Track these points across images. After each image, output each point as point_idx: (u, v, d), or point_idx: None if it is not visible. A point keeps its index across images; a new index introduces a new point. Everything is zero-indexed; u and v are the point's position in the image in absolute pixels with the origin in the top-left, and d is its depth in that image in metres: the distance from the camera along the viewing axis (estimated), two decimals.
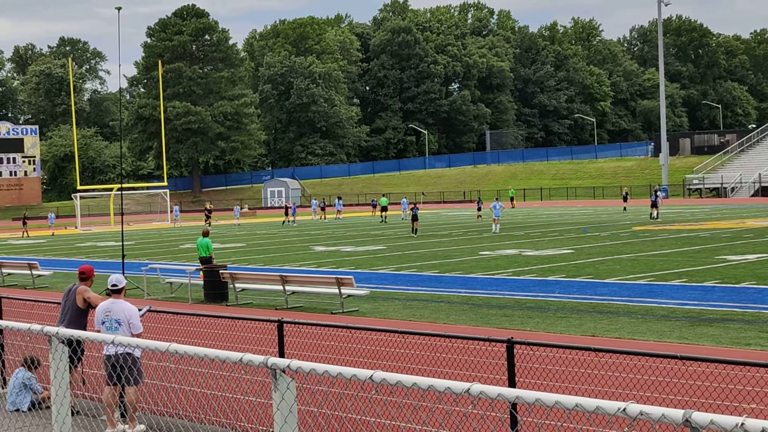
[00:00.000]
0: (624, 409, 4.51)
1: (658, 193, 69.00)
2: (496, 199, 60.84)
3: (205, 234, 32.52)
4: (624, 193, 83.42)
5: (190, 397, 12.41)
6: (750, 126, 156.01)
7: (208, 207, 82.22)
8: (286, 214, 78.12)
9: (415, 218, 56.77)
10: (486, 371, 13.07)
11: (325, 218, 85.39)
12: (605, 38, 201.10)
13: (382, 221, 74.83)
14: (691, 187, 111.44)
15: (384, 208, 77.72)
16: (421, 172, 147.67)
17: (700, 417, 4.39)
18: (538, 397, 4.72)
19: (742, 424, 4.21)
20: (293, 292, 26.38)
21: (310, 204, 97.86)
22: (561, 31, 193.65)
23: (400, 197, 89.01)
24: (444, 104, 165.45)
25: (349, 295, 24.76)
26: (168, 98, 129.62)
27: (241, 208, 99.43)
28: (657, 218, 62.84)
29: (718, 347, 17.31)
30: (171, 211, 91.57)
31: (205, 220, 75.54)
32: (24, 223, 77.11)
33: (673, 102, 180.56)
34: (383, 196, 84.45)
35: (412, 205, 63.39)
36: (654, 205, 64.54)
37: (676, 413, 4.43)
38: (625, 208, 78.98)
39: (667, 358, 9.60)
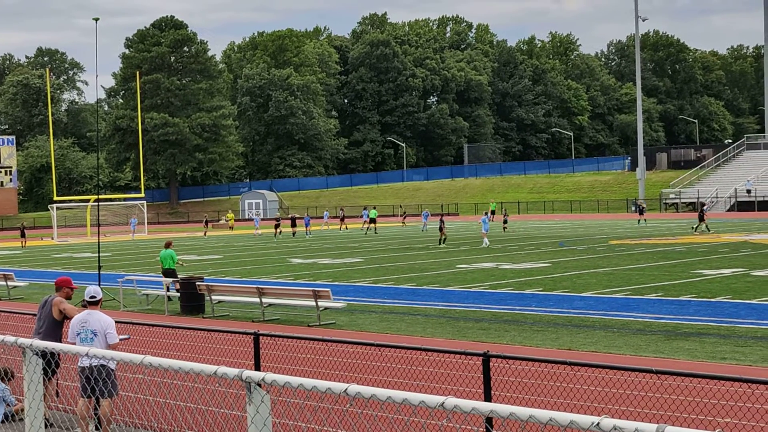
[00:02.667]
0: (598, 424, 4.52)
1: (704, 208, 68.92)
2: (485, 213, 60.66)
3: (168, 245, 32.37)
4: (640, 207, 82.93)
5: (164, 410, 12.36)
6: (726, 141, 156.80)
7: (229, 217, 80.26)
8: (294, 225, 75.26)
9: (441, 229, 57.01)
10: (462, 384, 13.07)
11: (346, 228, 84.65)
12: (583, 53, 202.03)
13: (374, 232, 74.80)
14: (667, 201, 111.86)
15: (373, 220, 77.61)
16: (399, 185, 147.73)
17: (673, 431, 4.40)
18: (513, 411, 4.72)
19: None
20: (270, 305, 26.32)
21: (322, 215, 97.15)
22: (539, 46, 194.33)
23: (382, 209, 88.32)
24: (422, 117, 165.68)
25: (326, 308, 24.73)
26: (146, 109, 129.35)
27: (227, 219, 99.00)
28: (707, 230, 62.40)
29: (694, 361, 17.36)
30: (142, 223, 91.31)
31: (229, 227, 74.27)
32: (22, 234, 76.15)
33: (650, 116, 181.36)
34: (373, 208, 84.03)
35: (439, 217, 62.75)
36: (701, 218, 63.69)
37: (650, 427, 4.44)
38: (639, 221, 78.61)
39: (642, 372, 9.61)
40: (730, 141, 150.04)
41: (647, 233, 63.60)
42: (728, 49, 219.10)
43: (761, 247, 46.66)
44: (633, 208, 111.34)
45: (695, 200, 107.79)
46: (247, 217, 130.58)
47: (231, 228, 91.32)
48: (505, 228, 70.22)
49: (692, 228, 64.03)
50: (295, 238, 71.32)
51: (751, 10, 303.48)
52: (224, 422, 12.12)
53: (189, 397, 11.97)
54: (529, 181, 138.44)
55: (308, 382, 5.57)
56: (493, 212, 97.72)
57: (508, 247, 52.06)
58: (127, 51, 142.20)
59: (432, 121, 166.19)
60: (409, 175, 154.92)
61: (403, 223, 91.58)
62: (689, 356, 17.96)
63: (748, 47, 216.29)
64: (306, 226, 76.05)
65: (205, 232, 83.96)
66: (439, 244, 55.78)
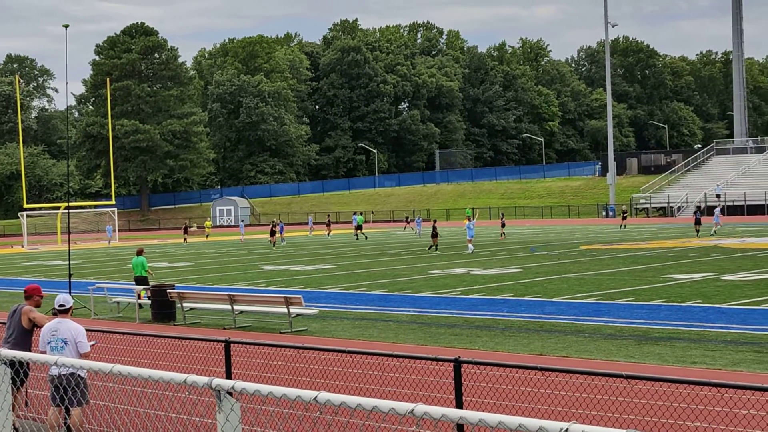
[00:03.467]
0: (566, 429, 4.54)
1: (716, 210, 69.44)
2: (468, 219, 60.28)
3: (140, 252, 32.25)
4: (624, 212, 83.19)
5: (134, 418, 12.31)
6: (696, 146, 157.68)
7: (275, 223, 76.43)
8: (272, 234, 71.93)
9: (434, 235, 56.55)
10: (434, 390, 13.09)
11: (329, 234, 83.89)
12: (553, 59, 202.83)
13: (364, 238, 74.61)
14: (638, 206, 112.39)
15: (359, 227, 77.43)
16: (371, 191, 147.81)
17: None
18: (482, 418, 4.73)
19: None
20: (242, 312, 26.26)
21: (307, 221, 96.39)
22: (509, 52, 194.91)
23: (355, 215, 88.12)
24: (393, 123, 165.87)
25: (297, 315, 24.69)
26: (116, 116, 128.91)
27: (190, 227, 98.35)
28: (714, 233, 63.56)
29: (665, 366, 17.44)
30: (115, 230, 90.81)
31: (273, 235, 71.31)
32: None
33: (621, 122, 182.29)
34: (360, 214, 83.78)
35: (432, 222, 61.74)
36: (697, 222, 64.85)
37: None
38: (622, 226, 78.84)
39: (613, 377, 9.67)
40: (699, 146, 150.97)
41: (618, 238, 63.88)
42: (697, 54, 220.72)
43: (730, 252, 46.94)
44: (604, 213, 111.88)
45: (665, 205, 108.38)
46: (218, 224, 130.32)
47: (207, 236, 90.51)
48: (503, 234, 68.92)
49: (698, 233, 64.09)
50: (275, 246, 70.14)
51: (719, 15, 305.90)
52: (195, 430, 12.08)
53: (159, 406, 11.94)
54: (500, 187, 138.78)
55: (278, 390, 5.56)
56: (468, 218, 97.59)
57: (479, 253, 52.14)
58: (97, 58, 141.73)
59: (403, 127, 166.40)
60: (380, 181, 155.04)
61: (405, 228, 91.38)
62: (660, 361, 18.04)
63: (716, 53, 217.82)
64: (280, 233, 75.09)
65: (185, 239, 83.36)
66: (428, 249, 55.45)
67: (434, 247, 55.88)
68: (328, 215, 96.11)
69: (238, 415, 5.96)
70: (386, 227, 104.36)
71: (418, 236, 74.37)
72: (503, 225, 70.37)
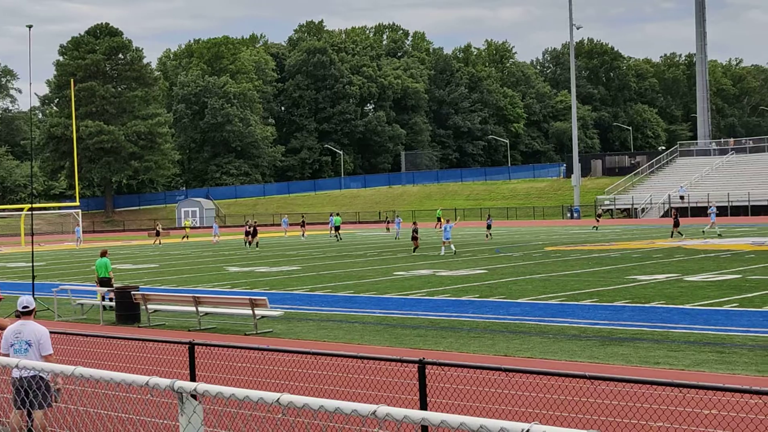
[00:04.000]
0: (528, 430, 4.56)
1: (710, 209, 68.77)
2: (447, 221, 59.78)
3: (104, 254, 32.06)
4: (598, 213, 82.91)
5: (96, 421, 12.25)
6: (660, 148, 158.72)
7: (250, 222, 75.33)
8: (247, 234, 70.63)
9: (414, 238, 55.91)
10: (399, 392, 13.10)
11: (304, 235, 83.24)
12: (519, 61, 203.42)
13: (338, 239, 74.39)
14: (602, 207, 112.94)
15: (337, 227, 77.41)
16: (337, 192, 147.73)
17: None
18: (444, 419, 4.75)
19: None
20: (206, 314, 26.19)
21: (281, 222, 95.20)
22: (475, 53, 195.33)
23: (334, 216, 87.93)
24: (359, 125, 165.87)
25: (262, 316, 24.65)
26: (80, 117, 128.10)
27: (157, 228, 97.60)
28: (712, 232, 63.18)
29: (628, 366, 17.54)
30: (74, 232, 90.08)
31: (249, 236, 69.83)
32: None
33: (585, 124, 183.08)
34: (337, 215, 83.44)
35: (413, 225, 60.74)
36: (676, 224, 63.98)
37: None
38: (595, 227, 78.99)
39: (576, 378, 9.73)
40: (663, 148, 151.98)
41: (582, 239, 64.17)
42: (661, 57, 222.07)
43: (694, 253, 47.26)
44: (569, 215, 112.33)
45: (629, 206, 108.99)
46: (182, 225, 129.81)
47: (186, 237, 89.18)
48: (488, 235, 68.77)
49: (672, 235, 63.06)
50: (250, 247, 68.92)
51: (683, 18, 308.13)
52: None
53: (122, 408, 11.89)
54: (465, 188, 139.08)
55: (240, 392, 5.56)
56: (438, 219, 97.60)
57: (445, 254, 52.20)
58: (61, 58, 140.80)
59: (369, 128, 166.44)
60: (346, 182, 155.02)
61: (387, 229, 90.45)
62: (624, 361, 18.14)
63: (680, 55, 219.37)
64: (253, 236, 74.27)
65: (159, 241, 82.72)
66: (413, 251, 54.71)
67: (414, 249, 55.25)
68: (303, 216, 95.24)
69: (200, 417, 5.95)
70: (354, 228, 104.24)
71: (396, 238, 73.96)
72: (489, 226, 70.58)
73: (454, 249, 53.36)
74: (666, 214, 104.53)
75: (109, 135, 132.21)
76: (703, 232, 65.16)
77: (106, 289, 29.45)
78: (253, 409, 5.90)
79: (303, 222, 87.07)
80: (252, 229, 69.87)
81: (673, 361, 17.95)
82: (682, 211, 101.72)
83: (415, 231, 56.70)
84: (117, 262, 49.61)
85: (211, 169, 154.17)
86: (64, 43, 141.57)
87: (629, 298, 28.33)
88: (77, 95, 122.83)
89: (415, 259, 49.24)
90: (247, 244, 69.07)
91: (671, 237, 62.15)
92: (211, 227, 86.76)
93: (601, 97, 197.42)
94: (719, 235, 63.07)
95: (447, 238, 53.52)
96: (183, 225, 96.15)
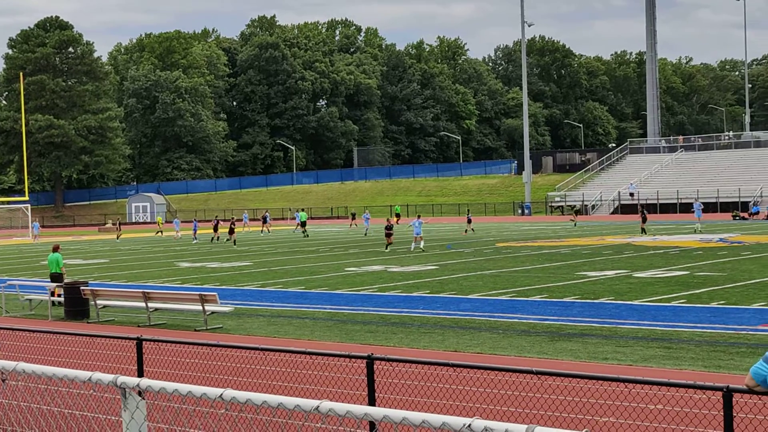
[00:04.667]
0: (469, 425, 4.58)
1: (695, 205, 67.13)
2: (418, 216, 59.07)
3: (56, 249, 31.79)
4: (575, 210, 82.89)
5: (38, 417, 12.14)
6: (610, 145, 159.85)
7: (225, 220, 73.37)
8: (231, 232, 69.34)
9: (389, 233, 54.42)
10: (347, 387, 13.11)
11: (269, 230, 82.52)
12: (471, 57, 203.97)
13: (304, 235, 72.89)
14: (553, 204, 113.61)
15: (303, 223, 75.85)
16: (289, 188, 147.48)
17: (543, 431, 4.48)
18: (386, 414, 4.76)
19: None
20: (156, 309, 26.03)
21: (242, 217, 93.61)
22: (427, 50, 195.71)
23: (275, 212, 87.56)
24: (312, 120, 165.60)
25: (212, 312, 24.57)
26: (30, 111, 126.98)
27: (106, 224, 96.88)
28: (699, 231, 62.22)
29: (577, 362, 17.65)
30: (31, 227, 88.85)
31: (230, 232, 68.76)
32: None
33: (537, 121, 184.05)
34: (302, 210, 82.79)
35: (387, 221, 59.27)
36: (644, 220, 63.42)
37: (520, 428, 4.51)
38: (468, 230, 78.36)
39: (523, 373, 9.75)
40: (613, 145, 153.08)
41: (533, 236, 64.50)
42: (612, 54, 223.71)
43: (643, 249, 47.65)
44: (520, 211, 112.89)
45: (580, 203, 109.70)
46: (134, 220, 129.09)
47: (160, 233, 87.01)
48: (467, 231, 68.57)
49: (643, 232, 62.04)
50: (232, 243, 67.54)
51: (634, 16, 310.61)
52: (100, 428, 11.94)
53: (64, 404, 11.78)
54: (417, 185, 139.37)
55: (183, 388, 5.53)
56: (398, 215, 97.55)
57: (397, 250, 52.26)
58: (10, 51, 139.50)
59: (322, 124, 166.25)
60: (298, 178, 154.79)
61: (351, 225, 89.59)
62: (572, 357, 18.26)
63: (631, 53, 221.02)
64: (194, 231, 74.09)
65: (119, 236, 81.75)
66: (386, 248, 53.19)
67: (387, 246, 53.71)
68: (266, 211, 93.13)
69: (143, 413, 5.92)
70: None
71: (365, 234, 72.99)
72: (469, 221, 70.66)
73: (422, 246, 52.32)
74: (615, 211, 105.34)
75: (59, 129, 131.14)
76: (695, 230, 63.27)
77: (55, 284, 29.19)
78: (197, 404, 5.88)
79: (265, 218, 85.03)
80: (231, 225, 69.14)
81: (621, 357, 18.08)
82: (632, 208, 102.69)
83: (389, 228, 55.21)
84: (67, 257, 49.16)
85: (162, 164, 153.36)
86: (14, 36, 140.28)
87: (579, 294, 28.52)
88: (27, 89, 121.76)
89: (367, 255, 49.26)
90: (228, 240, 67.72)
91: (643, 233, 61.60)
92: (172, 222, 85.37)
93: (552, 95, 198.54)
94: (696, 231, 62.71)
95: (417, 234, 52.65)
96: (155, 221, 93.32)
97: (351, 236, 72.74)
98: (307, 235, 73.47)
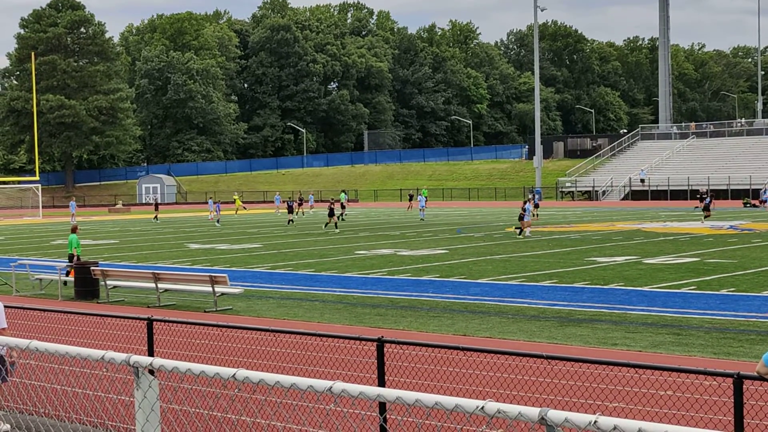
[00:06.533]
0: (482, 407, 4.58)
1: (705, 196, 65.42)
2: (417, 190, 58.31)
3: (74, 230, 31.97)
4: (410, 195, 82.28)
5: (51, 395, 12.18)
6: (621, 131, 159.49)
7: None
8: (290, 211, 70.24)
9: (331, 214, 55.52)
10: (358, 370, 13.13)
11: (304, 213, 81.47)
12: (483, 41, 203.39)
13: (341, 219, 71.45)
14: (563, 189, 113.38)
15: (290, 209, 74.35)
16: (299, 171, 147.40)
17: (555, 415, 4.48)
18: (399, 396, 4.76)
19: (596, 421, 4.31)
20: (166, 290, 26.09)
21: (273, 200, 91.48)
22: (439, 34, 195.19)
23: (280, 194, 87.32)
24: (323, 103, 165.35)
25: (222, 294, 24.61)
26: (41, 91, 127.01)
27: (115, 204, 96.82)
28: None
29: (586, 347, 17.66)
30: (37, 207, 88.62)
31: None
32: None
33: (548, 106, 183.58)
34: (343, 192, 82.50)
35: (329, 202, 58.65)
36: (706, 208, 61.34)
37: (533, 411, 4.51)
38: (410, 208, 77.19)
39: (533, 357, 9.77)
40: (625, 131, 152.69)
41: (543, 221, 64.43)
42: (624, 40, 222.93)
43: (653, 236, 47.58)
44: (530, 196, 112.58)
45: (590, 189, 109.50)
46: (144, 201, 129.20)
47: (237, 212, 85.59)
48: (410, 208, 68.42)
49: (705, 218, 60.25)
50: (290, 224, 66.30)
51: (647, 2, 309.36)
52: (112, 408, 11.99)
53: (77, 383, 11.83)
54: (428, 169, 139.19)
55: (196, 367, 5.54)
56: (410, 197, 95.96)
57: (406, 234, 52.29)
58: (22, 31, 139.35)
59: (332, 107, 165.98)
60: (309, 161, 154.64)
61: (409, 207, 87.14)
62: (582, 342, 18.26)
63: (643, 39, 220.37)
64: (217, 212, 71.79)
65: (156, 216, 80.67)
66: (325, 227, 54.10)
67: (330, 225, 55.29)
68: (300, 193, 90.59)
69: (156, 392, 5.93)
70: (319, 207, 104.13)
71: (422, 218, 70.00)
72: (411, 198, 70.37)
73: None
74: (626, 197, 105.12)
75: (70, 109, 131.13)
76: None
77: (65, 264, 29.28)
78: (209, 385, 5.89)
79: (300, 200, 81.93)
80: (296, 203, 70.26)
81: (630, 343, 18.08)
82: (643, 194, 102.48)
83: (332, 209, 56.71)
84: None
85: (172, 146, 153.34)
86: (26, 16, 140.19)
87: (588, 279, 28.50)
88: (38, 69, 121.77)
89: (377, 239, 49.26)
90: (290, 222, 67.51)
91: (703, 220, 59.46)
92: (208, 203, 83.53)
93: (564, 80, 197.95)
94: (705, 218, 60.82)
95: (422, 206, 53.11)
96: (233, 200, 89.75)
97: (361, 220, 72.69)
98: (344, 220, 69.69)
